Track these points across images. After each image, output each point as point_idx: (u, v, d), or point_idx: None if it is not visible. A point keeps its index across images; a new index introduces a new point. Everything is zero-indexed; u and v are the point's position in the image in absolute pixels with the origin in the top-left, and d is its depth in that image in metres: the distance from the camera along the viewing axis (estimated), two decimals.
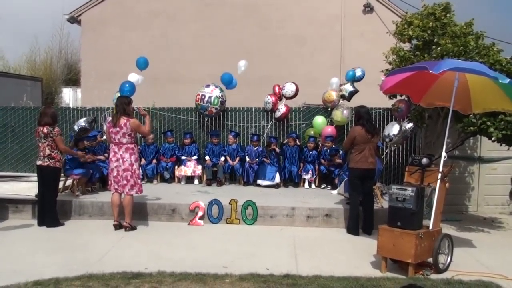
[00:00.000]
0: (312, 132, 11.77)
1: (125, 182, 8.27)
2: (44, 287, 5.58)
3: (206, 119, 12.23)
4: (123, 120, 8.20)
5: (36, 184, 8.95)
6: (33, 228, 8.50)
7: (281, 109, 11.85)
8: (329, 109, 11.83)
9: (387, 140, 9.98)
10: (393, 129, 10.07)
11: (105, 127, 8.58)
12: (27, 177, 11.47)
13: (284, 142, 11.77)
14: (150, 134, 8.62)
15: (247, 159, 11.54)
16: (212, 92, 11.73)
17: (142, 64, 11.74)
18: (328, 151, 11.29)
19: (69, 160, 9.63)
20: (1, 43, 35.41)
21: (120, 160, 8.24)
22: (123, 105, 8.34)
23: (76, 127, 10.19)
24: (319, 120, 11.75)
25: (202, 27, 17.92)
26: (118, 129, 8.19)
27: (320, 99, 12.23)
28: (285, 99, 12.02)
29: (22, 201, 9.18)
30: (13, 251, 7.11)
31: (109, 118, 8.44)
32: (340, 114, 11.39)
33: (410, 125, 10.00)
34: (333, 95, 11.58)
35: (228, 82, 12.00)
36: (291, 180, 11.54)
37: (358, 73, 11.64)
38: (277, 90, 12.08)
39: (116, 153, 8.26)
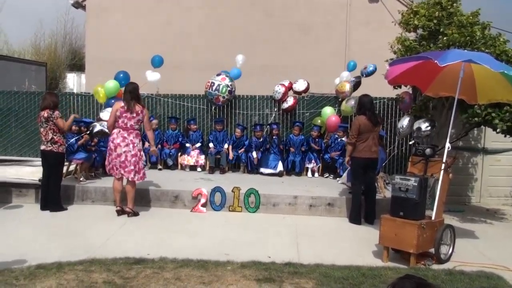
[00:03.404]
0: (319, 121, 11.75)
1: (132, 167, 8.28)
2: (47, 271, 5.61)
3: (213, 107, 12.20)
4: (138, 107, 8.30)
5: (39, 169, 8.99)
6: (36, 212, 8.54)
7: (289, 101, 11.80)
8: (340, 99, 11.78)
9: (398, 133, 9.82)
10: (404, 122, 9.81)
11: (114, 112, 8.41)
12: (31, 161, 11.50)
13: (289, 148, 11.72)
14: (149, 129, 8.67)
15: (254, 155, 11.50)
16: (222, 81, 11.68)
17: (157, 63, 11.72)
18: (339, 140, 11.25)
19: (70, 145, 9.57)
20: (6, 27, 35.37)
21: (131, 145, 8.26)
22: (136, 91, 8.40)
23: (98, 126, 9.88)
24: (328, 110, 11.70)
25: (207, 14, 17.82)
26: (134, 115, 8.24)
27: (324, 88, 12.22)
28: (293, 92, 11.99)
29: (25, 185, 9.22)
30: (16, 235, 7.16)
31: (121, 103, 8.36)
32: (345, 104, 11.35)
33: (426, 125, 9.75)
34: (346, 86, 11.51)
35: (237, 76, 12.02)
36: (294, 170, 11.50)
37: (370, 68, 11.58)
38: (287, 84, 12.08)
39: (125, 138, 8.26)
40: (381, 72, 10.11)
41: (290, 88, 12.03)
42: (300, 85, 12.02)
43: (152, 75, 11.56)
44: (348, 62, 12.36)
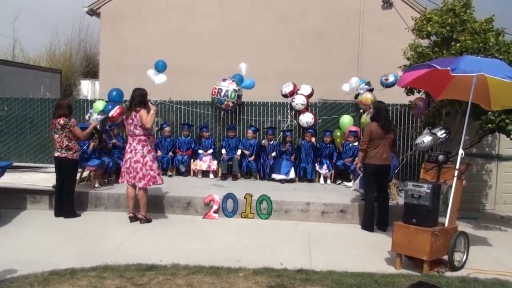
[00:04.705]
0: (338, 133, 11.68)
1: (134, 173, 8.31)
2: (60, 277, 5.65)
3: (222, 113, 12.24)
4: (134, 112, 8.27)
5: (53, 175, 9.06)
6: (50, 218, 8.60)
7: (310, 119, 11.80)
8: (361, 111, 11.72)
9: (415, 145, 9.78)
10: (425, 139, 9.66)
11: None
12: (45, 168, 11.59)
13: (299, 144, 11.73)
14: (149, 125, 8.27)
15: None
16: (229, 86, 11.72)
17: (161, 67, 11.77)
18: (350, 146, 11.22)
19: (83, 152, 9.61)
20: (22, 35, 35.80)
21: (133, 152, 8.29)
22: (141, 97, 8.39)
23: (94, 121, 9.99)
24: (346, 119, 11.67)
25: (220, 20, 17.92)
26: (130, 121, 8.28)
27: (337, 94, 12.19)
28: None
29: (40, 192, 9.29)
30: (31, 241, 7.23)
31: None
32: (365, 116, 11.29)
33: (442, 132, 9.61)
34: (369, 98, 11.44)
35: (251, 86, 12.10)
36: (305, 176, 11.48)
37: (391, 78, 11.50)
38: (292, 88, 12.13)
39: (130, 145, 8.35)
40: None
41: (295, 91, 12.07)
42: (304, 90, 12.03)
43: (158, 78, 11.58)
44: (361, 79, 12.36)
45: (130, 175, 8.35)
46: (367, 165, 8.33)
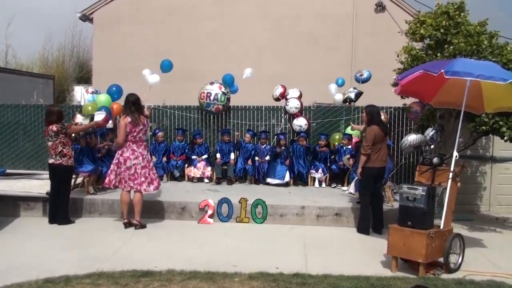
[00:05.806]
0: (337, 137, 11.67)
1: (143, 179, 8.29)
2: (55, 284, 5.61)
3: (212, 117, 12.23)
4: (143, 118, 8.33)
5: (47, 182, 9.01)
6: (44, 225, 8.54)
7: (302, 121, 11.75)
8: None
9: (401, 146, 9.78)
10: (409, 137, 9.63)
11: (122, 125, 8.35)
12: (39, 174, 11.53)
13: (295, 139, 11.74)
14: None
15: (256, 158, 11.49)
16: (219, 89, 11.72)
17: (167, 67, 11.66)
18: (344, 149, 11.22)
19: (77, 158, 9.53)
20: (15, 37, 35.65)
21: (140, 158, 8.26)
22: (139, 101, 8.42)
23: (83, 120, 9.97)
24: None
25: (216, 25, 17.95)
26: (141, 127, 8.26)
27: (332, 98, 12.24)
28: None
29: (33, 199, 9.22)
30: (25, 248, 7.18)
31: (127, 119, 8.21)
32: None
33: (429, 129, 9.54)
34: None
35: (230, 83, 12.05)
36: (300, 179, 11.47)
37: (365, 74, 11.64)
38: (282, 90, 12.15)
39: (135, 151, 8.25)
40: (388, 81, 10.10)
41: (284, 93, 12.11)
42: (293, 94, 12.07)
43: (152, 77, 11.52)
44: (336, 79, 12.51)
45: (136, 182, 8.29)
46: (368, 168, 8.26)
